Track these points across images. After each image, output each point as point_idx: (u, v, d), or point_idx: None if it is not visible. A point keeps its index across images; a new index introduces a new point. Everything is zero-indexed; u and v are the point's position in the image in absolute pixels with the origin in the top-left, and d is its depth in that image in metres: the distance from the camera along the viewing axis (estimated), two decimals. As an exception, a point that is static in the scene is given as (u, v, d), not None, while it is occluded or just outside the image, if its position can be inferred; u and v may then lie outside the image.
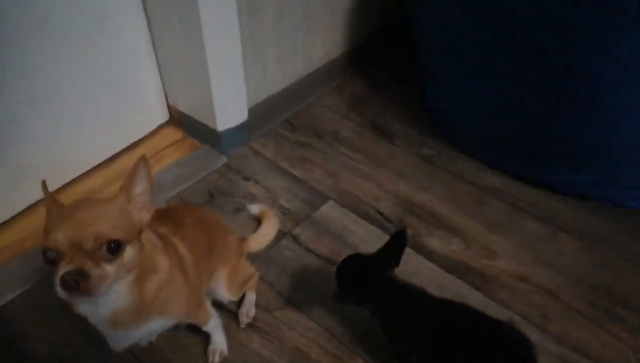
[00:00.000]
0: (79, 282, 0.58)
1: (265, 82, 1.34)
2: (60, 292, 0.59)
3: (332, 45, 1.49)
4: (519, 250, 1.10)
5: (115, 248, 0.61)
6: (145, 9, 1.18)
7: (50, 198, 0.65)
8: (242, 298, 0.98)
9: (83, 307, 0.67)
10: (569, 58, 0.96)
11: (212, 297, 0.92)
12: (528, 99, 1.09)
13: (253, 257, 1.05)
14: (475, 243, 1.11)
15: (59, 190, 1.20)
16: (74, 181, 1.23)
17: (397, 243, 0.83)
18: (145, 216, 0.67)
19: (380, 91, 1.53)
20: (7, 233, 1.13)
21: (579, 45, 0.93)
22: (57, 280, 0.58)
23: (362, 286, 0.82)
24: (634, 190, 1.13)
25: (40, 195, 0.66)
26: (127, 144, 1.32)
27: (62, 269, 0.58)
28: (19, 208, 1.16)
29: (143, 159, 0.65)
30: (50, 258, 0.59)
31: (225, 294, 0.92)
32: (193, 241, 0.81)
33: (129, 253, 0.63)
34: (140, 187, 0.66)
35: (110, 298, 0.65)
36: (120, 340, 0.73)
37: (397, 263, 0.82)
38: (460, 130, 1.33)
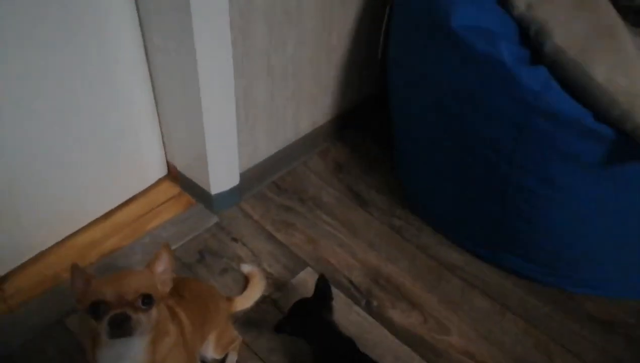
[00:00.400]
0: (124, 320, 0.74)
1: (256, 150, 1.48)
2: (108, 332, 0.74)
3: (318, 115, 1.64)
4: (469, 326, 1.26)
5: (147, 302, 0.78)
6: (150, 73, 1.31)
7: (86, 273, 0.79)
8: (225, 358, 1.12)
9: (109, 358, 0.81)
10: (509, 173, 1.14)
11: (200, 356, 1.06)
12: (480, 196, 1.26)
13: (233, 319, 1.19)
14: (431, 317, 1.27)
15: (57, 244, 1.32)
16: (71, 235, 1.35)
17: (321, 289, 1.10)
18: (164, 290, 0.84)
19: (361, 157, 1.68)
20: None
21: (518, 166, 1.11)
22: (107, 322, 0.74)
23: (297, 321, 1.07)
24: (568, 279, 1.31)
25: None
26: (126, 198, 1.45)
27: (112, 313, 0.74)
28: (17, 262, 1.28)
29: (166, 246, 0.84)
30: (101, 310, 0.75)
31: (212, 353, 1.07)
32: (192, 312, 0.96)
33: (154, 311, 0.79)
34: (162, 268, 0.84)
35: (131, 353, 0.80)
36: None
37: (328, 305, 1.09)
38: (426, 206, 1.49)
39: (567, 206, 1.13)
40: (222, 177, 1.41)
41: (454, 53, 1.13)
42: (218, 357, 1.08)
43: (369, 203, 1.54)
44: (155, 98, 1.36)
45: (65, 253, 1.31)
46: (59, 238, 1.33)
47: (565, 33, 1.08)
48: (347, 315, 1.25)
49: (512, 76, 1.04)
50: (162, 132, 1.44)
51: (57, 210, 1.30)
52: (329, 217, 1.48)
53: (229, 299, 1.18)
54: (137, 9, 1.19)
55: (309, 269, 1.34)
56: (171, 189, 1.51)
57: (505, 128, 1.10)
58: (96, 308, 0.76)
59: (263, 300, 1.26)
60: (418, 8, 1.23)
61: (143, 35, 1.24)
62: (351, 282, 1.32)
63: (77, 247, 1.33)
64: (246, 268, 1.28)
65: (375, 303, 1.29)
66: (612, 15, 1.14)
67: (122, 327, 0.74)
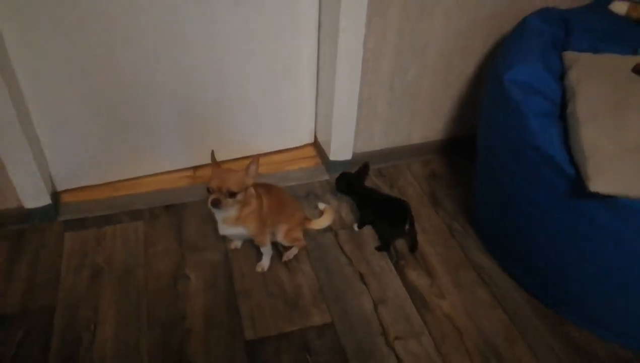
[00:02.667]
0: (217, 203, 1.41)
1: (371, 140, 2.07)
2: (210, 205, 1.42)
3: (430, 132, 2.14)
4: (461, 303, 1.63)
5: (232, 194, 1.42)
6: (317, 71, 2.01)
7: (215, 163, 1.50)
8: (290, 247, 1.74)
9: (216, 213, 1.50)
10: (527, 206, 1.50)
11: (273, 238, 1.70)
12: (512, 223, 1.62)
13: (308, 235, 1.80)
14: (436, 286, 1.68)
15: (236, 159, 2.11)
16: (243, 157, 2.12)
17: (364, 168, 1.89)
18: (250, 181, 1.48)
19: (453, 174, 2.12)
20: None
21: (529, 199, 1.47)
22: (209, 201, 1.41)
23: (347, 185, 1.89)
24: (562, 305, 1.57)
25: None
26: (282, 148, 2.18)
27: (212, 196, 1.41)
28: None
29: (256, 157, 1.47)
30: (209, 190, 1.43)
31: (281, 238, 1.69)
32: (272, 203, 1.61)
33: (238, 197, 1.45)
34: (252, 169, 1.47)
35: (227, 213, 1.48)
36: (224, 229, 1.56)
37: (364, 177, 1.90)
38: (481, 222, 1.86)
39: (550, 229, 1.45)
40: (339, 151, 2.04)
41: (501, 99, 1.55)
42: (284, 243, 1.71)
43: (440, 206, 1.98)
44: (317, 90, 2.07)
45: (237, 165, 2.09)
46: (236, 157, 2.11)
47: (587, 102, 1.41)
48: (379, 260, 1.75)
49: (525, 120, 1.43)
50: (316, 114, 2.15)
51: (240, 137, 2.08)
52: (405, 203, 1.98)
53: (307, 218, 1.80)
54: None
55: (369, 226, 1.87)
56: (310, 151, 2.20)
57: (514, 158, 1.48)
58: (208, 190, 1.43)
59: (330, 231, 1.85)
60: (497, 61, 1.66)
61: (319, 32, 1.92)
62: (394, 246, 1.81)
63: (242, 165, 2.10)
64: (321, 205, 1.89)
65: (402, 262, 1.75)
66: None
67: (215, 205, 1.41)
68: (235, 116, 2.01)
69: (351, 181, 1.89)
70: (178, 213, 1.90)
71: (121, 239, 1.79)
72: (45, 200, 1.79)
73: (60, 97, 1.72)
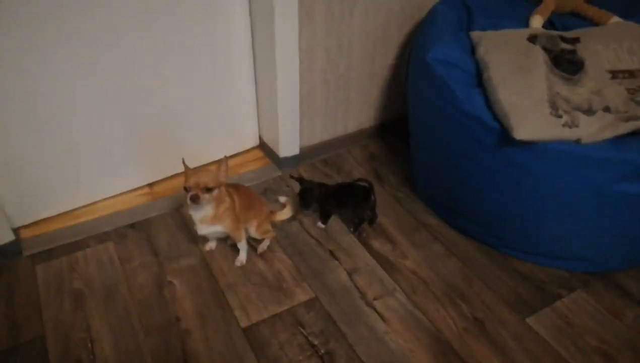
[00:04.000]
0: (196, 198, 1.52)
1: (313, 135, 2.26)
2: (189, 203, 1.53)
3: (364, 119, 2.37)
4: (422, 259, 1.86)
5: (208, 189, 1.54)
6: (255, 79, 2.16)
7: (187, 167, 1.60)
8: (262, 240, 1.87)
9: (193, 212, 1.61)
10: (456, 159, 1.75)
11: (247, 234, 1.82)
12: (448, 179, 1.88)
13: (275, 226, 1.94)
14: (398, 248, 1.89)
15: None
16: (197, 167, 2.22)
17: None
18: (223, 179, 1.60)
19: (390, 153, 2.36)
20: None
21: (457, 151, 1.73)
22: (188, 198, 1.52)
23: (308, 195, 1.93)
24: (501, 241, 1.85)
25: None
26: (232, 153, 2.30)
27: (191, 193, 1.52)
28: (163, 175, 2.18)
29: (225, 158, 1.59)
30: (187, 189, 1.54)
31: (253, 232, 1.81)
32: (242, 199, 1.73)
33: (214, 192, 1.56)
34: (223, 168, 1.59)
35: (204, 211, 1.59)
36: (202, 229, 1.66)
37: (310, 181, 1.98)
38: (421, 187, 2.12)
39: (485, 179, 1.72)
40: (287, 147, 2.20)
41: (427, 77, 1.80)
42: (256, 237, 1.84)
43: (385, 181, 2.21)
44: (256, 94, 2.21)
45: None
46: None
47: (497, 69, 1.70)
48: (344, 236, 1.93)
49: (451, 91, 1.69)
50: (258, 117, 2.29)
51: (191, 149, 2.17)
52: (354, 185, 2.19)
53: (272, 211, 1.94)
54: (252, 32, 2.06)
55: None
56: (257, 153, 2.34)
57: (447, 125, 1.74)
58: (185, 189, 1.55)
59: (293, 219, 2.00)
60: (417, 46, 1.92)
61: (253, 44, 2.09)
62: (352, 221, 2.00)
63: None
64: (282, 199, 2.04)
65: (364, 234, 1.95)
66: (538, 60, 1.72)
67: (194, 200, 1.53)
68: (182, 129, 2.10)
69: (307, 187, 1.93)
70: (145, 229, 1.95)
71: (95, 262, 1.81)
72: (8, 236, 1.77)
73: (4, 131, 1.71)
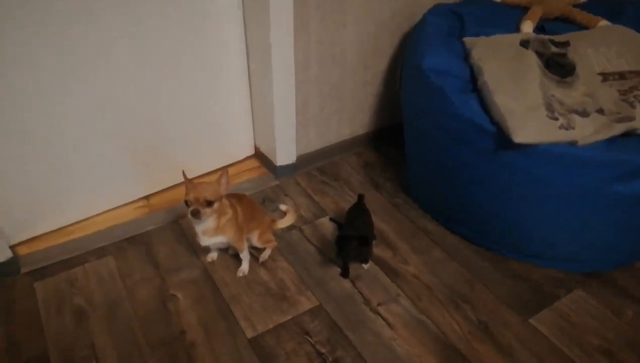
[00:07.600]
0: (196, 213, 1.52)
1: (309, 143, 2.27)
2: (190, 217, 1.53)
3: (357, 127, 2.39)
4: (423, 264, 1.87)
5: (209, 203, 1.54)
6: (250, 90, 2.17)
7: (188, 180, 1.60)
8: (263, 249, 1.87)
9: (196, 225, 1.60)
10: (453, 165, 1.78)
11: (249, 244, 1.82)
12: (447, 184, 1.90)
13: (276, 235, 1.94)
14: (399, 255, 1.91)
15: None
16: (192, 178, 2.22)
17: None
18: (223, 191, 1.60)
19: (385, 160, 2.38)
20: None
21: (453, 157, 1.76)
22: (189, 212, 1.52)
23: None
24: (499, 244, 1.88)
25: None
26: (227, 163, 2.30)
27: (192, 208, 1.52)
28: (159, 187, 2.17)
29: (226, 170, 1.59)
30: (188, 203, 1.53)
31: (255, 241, 1.81)
32: (244, 210, 1.73)
33: (214, 206, 1.56)
34: (223, 180, 1.59)
35: (206, 223, 1.59)
36: (205, 240, 1.66)
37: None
38: (418, 193, 2.14)
39: (481, 183, 1.74)
40: (283, 156, 2.21)
41: (421, 84, 1.83)
42: (258, 246, 1.84)
43: (381, 188, 2.23)
44: (251, 104, 2.22)
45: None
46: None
47: (492, 73, 1.73)
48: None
49: (446, 97, 1.71)
50: (253, 126, 2.29)
51: (187, 160, 2.16)
52: (351, 192, 2.20)
53: (273, 220, 1.94)
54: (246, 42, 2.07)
55: (327, 217, 2.06)
56: (253, 163, 2.34)
57: (443, 131, 1.76)
58: (186, 203, 1.55)
59: (294, 228, 2.00)
60: (410, 54, 1.95)
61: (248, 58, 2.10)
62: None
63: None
64: (283, 207, 2.05)
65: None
66: (532, 64, 1.75)
67: (194, 215, 1.52)
68: (177, 140, 2.09)
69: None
70: (144, 242, 1.94)
71: (95, 277, 1.79)
72: (6, 254, 1.74)
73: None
